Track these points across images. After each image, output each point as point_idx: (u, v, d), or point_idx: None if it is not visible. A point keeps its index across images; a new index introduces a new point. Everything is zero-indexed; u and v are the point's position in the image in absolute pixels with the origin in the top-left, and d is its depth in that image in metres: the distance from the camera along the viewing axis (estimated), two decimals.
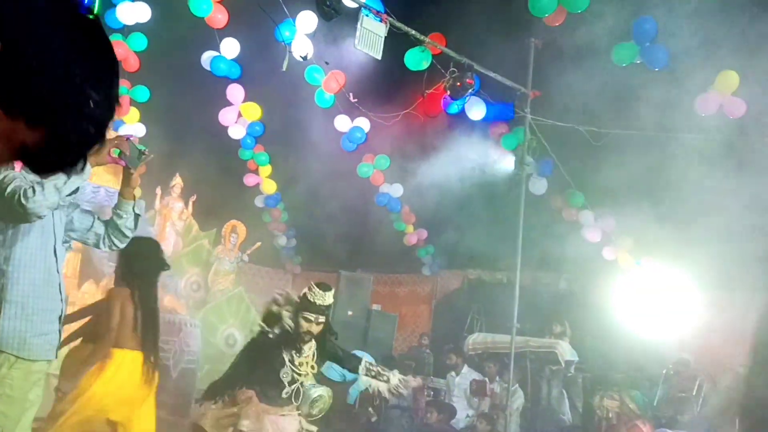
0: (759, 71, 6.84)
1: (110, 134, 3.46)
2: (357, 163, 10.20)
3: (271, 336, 4.45)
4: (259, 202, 11.69)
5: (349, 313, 10.86)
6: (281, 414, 4.46)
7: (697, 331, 7.98)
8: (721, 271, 8.41)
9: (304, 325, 4.48)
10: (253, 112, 8.94)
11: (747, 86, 6.99)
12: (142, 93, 8.87)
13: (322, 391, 4.85)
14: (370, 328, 10.64)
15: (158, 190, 10.11)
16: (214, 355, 8.42)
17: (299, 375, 4.49)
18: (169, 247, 10.37)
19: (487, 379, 8.58)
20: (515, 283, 7.83)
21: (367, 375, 4.76)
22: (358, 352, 5.19)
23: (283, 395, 4.45)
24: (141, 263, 4.29)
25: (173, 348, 6.91)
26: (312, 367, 4.57)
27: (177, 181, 10.61)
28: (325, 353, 4.69)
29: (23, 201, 2.71)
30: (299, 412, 4.57)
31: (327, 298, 4.56)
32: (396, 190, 10.60)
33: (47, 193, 2.75)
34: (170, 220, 10.48)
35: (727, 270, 8.49)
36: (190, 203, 10.68)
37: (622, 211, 9.13)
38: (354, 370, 4.80)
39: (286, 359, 4.44)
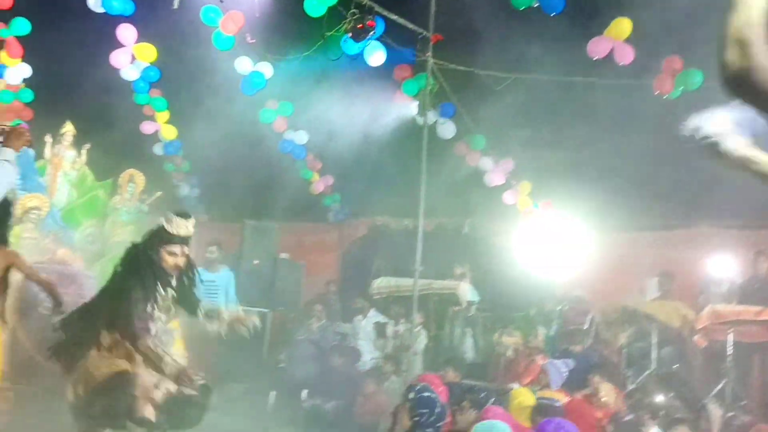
0: (649, 21, 7.09)
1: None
2: (260, 108, 9.95)
3: (130, 278, 4.03)
4: (158, 149, 11.24)
5: (255, 262, 10.73)
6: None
7: (589, 269, 8.37)
8: (611, 213, 8.85)
9: (170, 260, 4.09)
10: (148, 53, 8.51)
11: (637, 33, 7.24)
12: (23, 25, 8.23)
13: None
14: (276, 277, 10.58)
15: (48, 138, 9.54)
16: None
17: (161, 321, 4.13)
18: (62, 197, 9.89)
19: (391, 321, 8.76)
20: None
21: (204, 319, 4.42)
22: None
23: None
24: None
25: (67, 301, 6.61)
26: (168, 309, 4.17)
27: (68, 128, 10.03)
28: (184, 293, 4.26)
29: None
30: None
31: (190, 227, 4.15)
32: (300, 137, 10.44)
33: None
34: (62, 169, 9.95)
35: (617, 213, 8.94)
36: (84, 151, 10.14)
37: (522, 155, 9.39)
38: (192, 313, 4.40)
39: (149, 304, 4.02)
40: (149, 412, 4.10)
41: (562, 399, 6.01)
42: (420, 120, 8.13)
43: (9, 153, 3.14)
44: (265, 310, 9.84)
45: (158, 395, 4.11)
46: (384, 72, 8.42)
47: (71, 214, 9.76)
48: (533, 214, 9.45)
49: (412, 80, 8.49)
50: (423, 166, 7.89)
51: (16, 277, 5.48)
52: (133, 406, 4.04)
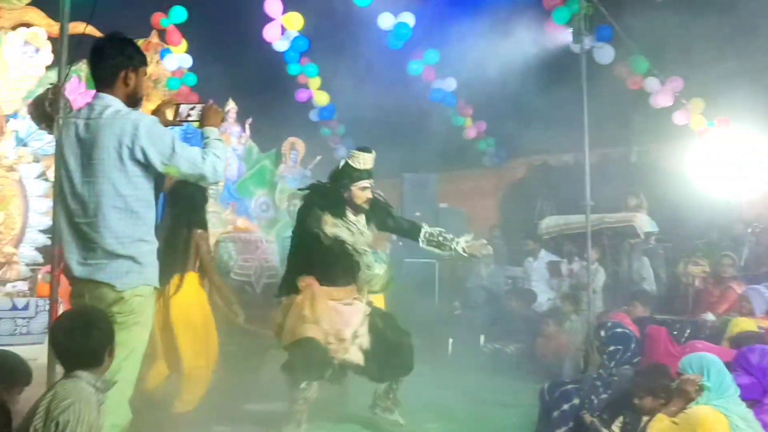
0: None
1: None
2: (406, 61, 9.90)
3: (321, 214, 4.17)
4: (314, 116, 11.60)
5: (417, 213, 10.83)
6: (345, 302, 4.28)
7: None
8: None
9: (362, 195, 4.23)
10: (296, 22, 8.71)
11: None
12: (180, 13, 8.71)
13: (377, 270, 4.73)
14: (439, 227, 10.63)
15: None
16: None
17: (357, 252, 4.24)
18: (233, 172, 10.51)
19: (565, 259, 8.54)
20: (584, 163, 7.57)
21: (428, 245, 4.52)
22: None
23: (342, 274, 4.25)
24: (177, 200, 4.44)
25: (254, 265, 7.08)
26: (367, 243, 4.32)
27: (231, 106, 10.57)
28: (383, 224, 4.45)
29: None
30: (363, 294, 4.40)
31: (372, 159, 4.27)
32: (449, 84, 10.31)
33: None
34: (230, 145, 10.53)
35: None
36: (247, 126, 10.67)
37: (690, 71, 8.65)
38: (414, 238, 4.53)
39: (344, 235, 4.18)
40: (356, 357, 4.27)
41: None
42: (576, 48, 7.66)
43: (215, 132, 3.03)
44: (432, 261, 9.96)
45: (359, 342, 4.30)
46: (532, 3, 8.04)
47: (244, 186, 10.39)
48: (709, 133, 8.72)
49: (563, 7, 8.02)
50: (584, 96, 7.47)
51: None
52: (320, 365, 4.18)
